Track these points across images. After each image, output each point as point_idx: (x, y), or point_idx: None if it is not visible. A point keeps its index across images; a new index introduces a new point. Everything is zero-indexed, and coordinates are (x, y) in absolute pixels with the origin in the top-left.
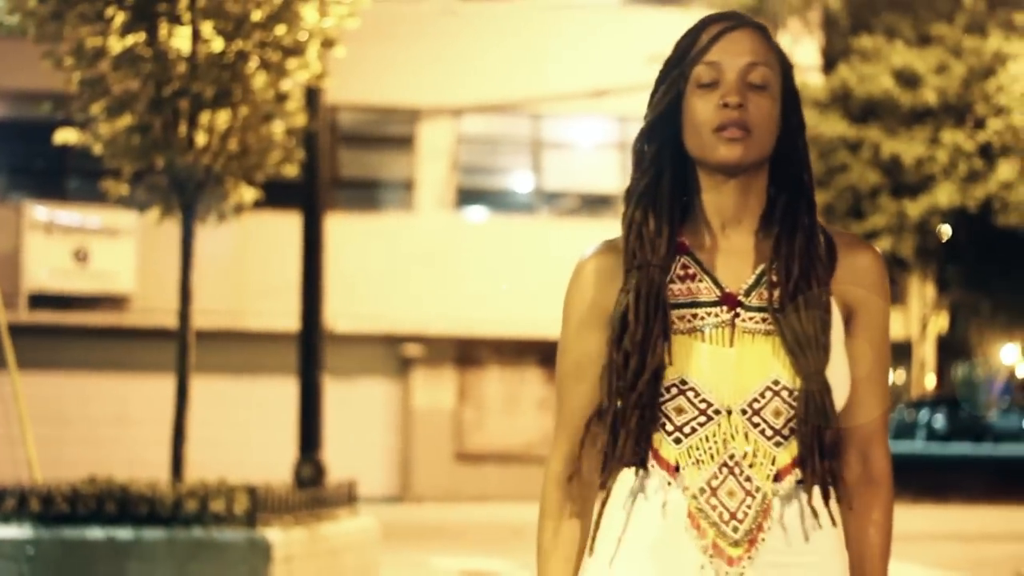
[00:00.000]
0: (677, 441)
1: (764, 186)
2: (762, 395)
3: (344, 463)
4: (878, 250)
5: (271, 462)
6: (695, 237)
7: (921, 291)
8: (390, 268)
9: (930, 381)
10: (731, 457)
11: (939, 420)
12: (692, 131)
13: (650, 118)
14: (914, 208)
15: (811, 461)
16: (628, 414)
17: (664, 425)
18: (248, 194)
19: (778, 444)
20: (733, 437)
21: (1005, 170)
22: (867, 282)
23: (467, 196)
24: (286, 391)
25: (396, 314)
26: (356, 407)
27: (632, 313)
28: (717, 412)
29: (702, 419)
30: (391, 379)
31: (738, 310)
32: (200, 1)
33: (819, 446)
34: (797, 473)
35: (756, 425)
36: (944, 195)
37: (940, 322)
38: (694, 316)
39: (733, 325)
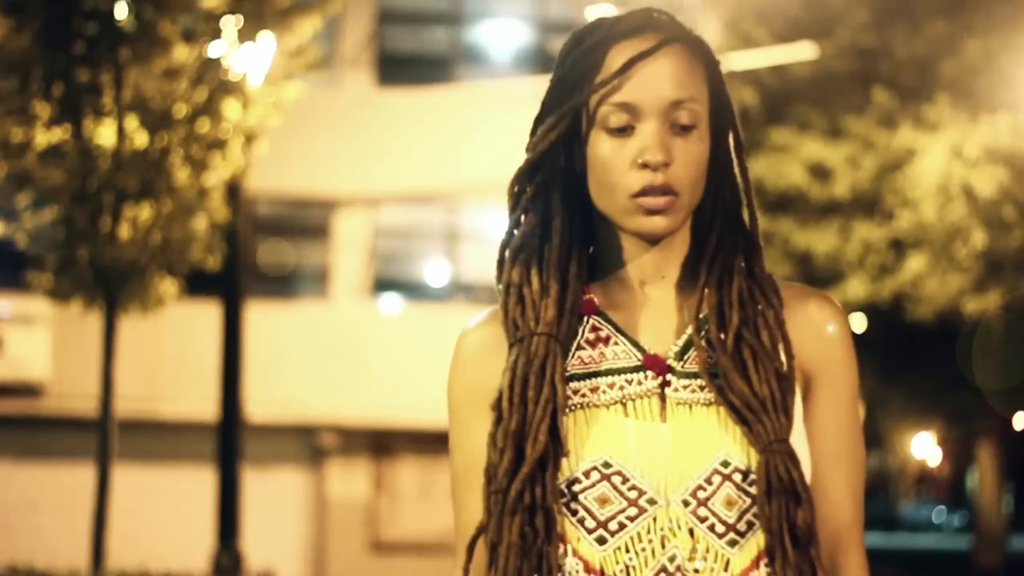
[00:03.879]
0: (601, 541)
1: (690, 223)
2: (708, 481)
3: (259, 552)
4: (838, 304)
5: (185, 550)
6: (606, 294)
7: None
8: (305, 357)
9: None
10: (671, 560)
11: None
12: (601, 187)
13: (530, 157)
14: None
15: (780, 551)
16: (504, 524)
17: (583, 521)
18: (170, 287)
19: (733, 543)
20: (674, 534)
21: (915, 263)
22: (827, 341)
23: (383, 285)
24: (201, 478)
25: (311, 403)
26: (270, 496)
27: (506, 398)
28: (652, 502)
29: (632, 511)
30: (305, 468)
31: (667, 377)
32: (125, 96)
33: (790, 529)
34: None
35: (703, 519)
36: (855, 288)
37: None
38: (611, 386)
39: (663, 396)
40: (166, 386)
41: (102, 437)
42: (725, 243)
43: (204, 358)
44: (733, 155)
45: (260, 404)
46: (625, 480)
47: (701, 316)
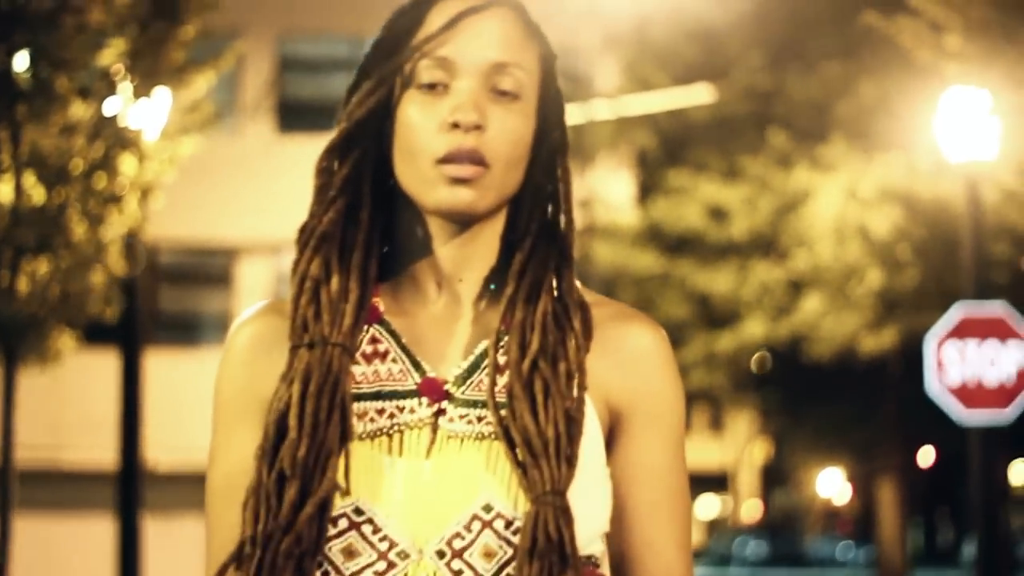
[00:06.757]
0: None
1: (501, 228)
2: (467, 528)
3: None
4: (661, 328)
5: None
6: (394, 299)
7: (739, 421)
8: (209, 404)
9: (753, 508)
10: None
11: (758, 548)
12: (404, 154)
13: (345, 127)
14: (725, 341)
15: None
16: (279, 564)
17: (328, 575)
18: (68, 340)
19: None
20: None
21: (812, 303)
22: (644, 372)
23: None
24: (103, 527)
25: None
26: (175, 544)
27: (295, 416)
28: (403, 555)
29: (381, 565)
30: None
31: (443, 405)
32: (22, 153)
33: None
34: None
35: (457, 573)
36: (754, 328)
37: (762, 450)
38: (380, 413)
39: (435, 427)
40: (68, 435)
41: (2, 489)
42: (539, 253)
43: (105, 407)
44: (557, 157)
45: (164, 451)
46: (376, 530)
47: (499, 331)
